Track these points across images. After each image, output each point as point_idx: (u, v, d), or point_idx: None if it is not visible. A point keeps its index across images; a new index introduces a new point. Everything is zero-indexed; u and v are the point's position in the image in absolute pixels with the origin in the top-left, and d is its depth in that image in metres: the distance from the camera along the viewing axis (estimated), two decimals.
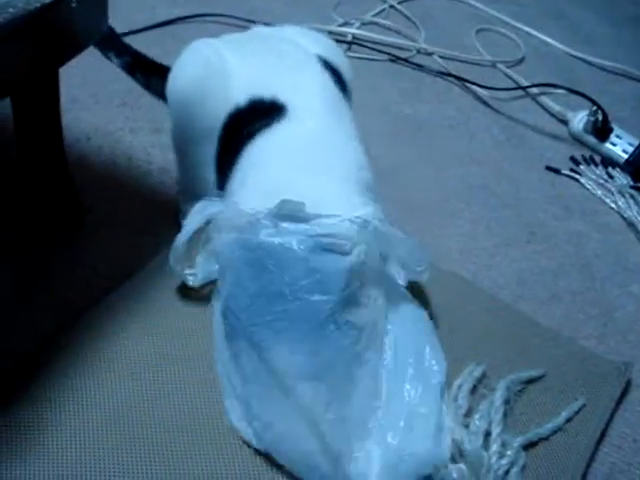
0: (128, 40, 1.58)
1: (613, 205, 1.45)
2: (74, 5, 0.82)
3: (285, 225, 0.95)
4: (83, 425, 0.94)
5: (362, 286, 0.97)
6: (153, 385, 1.01)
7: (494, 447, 0.97)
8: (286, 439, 0.93)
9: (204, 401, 1.00)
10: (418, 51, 1.75)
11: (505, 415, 1.02)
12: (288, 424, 0.92)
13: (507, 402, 1.03)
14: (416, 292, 1.17)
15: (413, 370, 0.98)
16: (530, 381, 1.08)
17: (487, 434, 1.00)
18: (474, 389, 1.06)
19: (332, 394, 0.92)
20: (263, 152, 1.03)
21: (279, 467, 0.92)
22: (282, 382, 0.92)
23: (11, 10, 0.77)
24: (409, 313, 1.06)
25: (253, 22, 1.59)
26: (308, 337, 0.93)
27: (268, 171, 1.02)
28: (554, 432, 1.03)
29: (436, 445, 0.93)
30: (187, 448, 0.94)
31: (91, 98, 1.45)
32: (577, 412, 1.06)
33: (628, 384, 1.12)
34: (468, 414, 1.02)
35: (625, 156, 1.53)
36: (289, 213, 0.96)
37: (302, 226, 0.94)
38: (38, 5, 0.80)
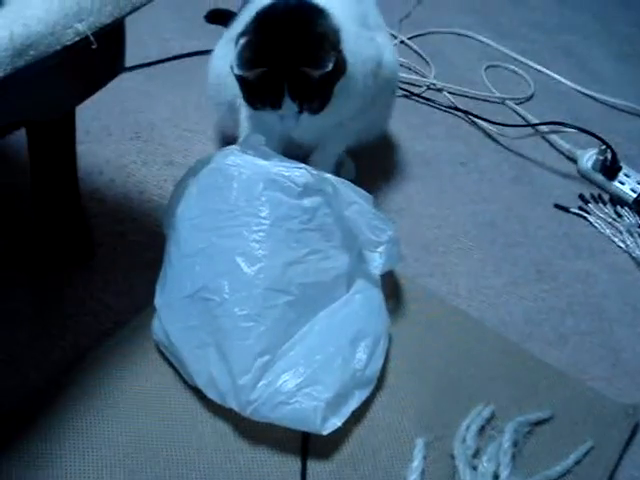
0: (139, 73, 1.61)
1: (622, 244, 1.46)
2: (94, 47, 0.83)
3: (248, 157, 1.06)
4: (91, 463, 0.95)
5: (316, 235, 1.06)
6: (161, 421, 1.01)
7: None
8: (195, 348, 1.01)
9: (213, 435, 1.01)
10: (428, 87, 1.77)
11: (513, 457, 1.02)
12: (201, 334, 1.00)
13: (515, 444, 1.04)
14: (423, 328, 1.18)
15: (338, 351, 1.03)
16: (538, 423, 1.08)
17: (495, 476, 1.00)
18: (482, 430, 1.06)
19: (250, 315, 0.99)
20: None
21: None
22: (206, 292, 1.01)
23: (32, 53, 0.78)
24: (373, 299, 1.11)
25: None
26: (236, 255, 1.01)
27: None
28: (562, 475, 1.03)
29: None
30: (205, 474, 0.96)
31: (104, 131, 1.47)
32: (585, 454, 1.06)
33: (636, 426, 1.12)
34: (476, 455, 1.03)
35: (634, 195, 1.54)
36: (254, 147, 1.07)
37: (261, 161, 1.05)
38: (59, 47, 0.81)
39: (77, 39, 0.82)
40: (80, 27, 0.82)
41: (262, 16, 1.16)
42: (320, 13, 1.15)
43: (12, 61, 0.76)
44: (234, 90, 1.20)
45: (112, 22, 0.87)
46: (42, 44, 0.79)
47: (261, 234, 1.01)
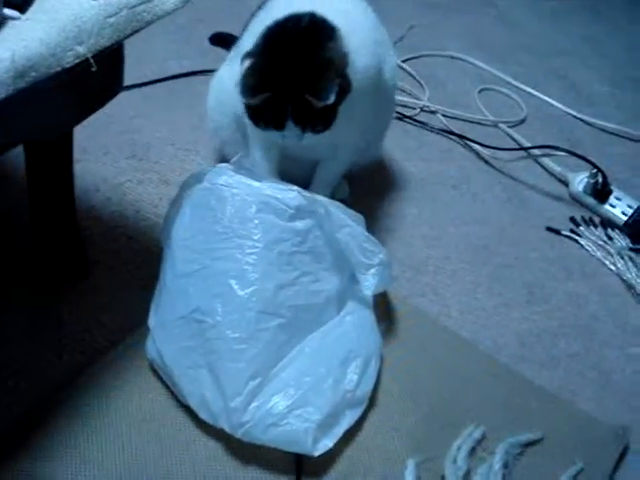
0: (136, 92, 1.62)
1: (612, 267, 1.47)
2: (93, 69, 0.85)
3: (241, 178, 1.07)
4: None
5: (307, 258, 1.07)
6: (154, 440, 1.02)
7: None
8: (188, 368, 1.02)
9: (206, 454, 1.01)
10: (422, 109, 1.78)
11: (504, 479, 1.03)
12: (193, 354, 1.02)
13: (506, 466, 1.04)
14: (415, 349, 1.19)
15: (329, 373, 1.04)
16: (529, 444, 1.09)
17: None
18: (473, 451, 1.06)
19: (242, 338, 1.00)
20: None
21: None
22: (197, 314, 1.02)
23: (33, 74, 0.80)
24: (364, 320, 1.12)
25: None
26: (230, 277, 1.02)
27: None
28: None
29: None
30: None
31: (101, 150, 1.48)
32: (575, 476, 1.06)
33: (626, 448, 1.13)
34: (467, 476, 1.03)
35: (624, 218, 1.55)
36: (247, 168, 1.09)
37: (254, 182, 1.07)
38: (59, 69, 0.82)
39: (77, 61, 0.84)
40: (80, 49, 0.84)
41: (270, 36, 1.15)
42: (330, 34, 1.14)
43: (14, 82, 0.77)
44: (237, 108, 1.21)
45: (112, 45, 0.89)
46: (43, 65, 0.80)
47: (254, 257, 1.02)
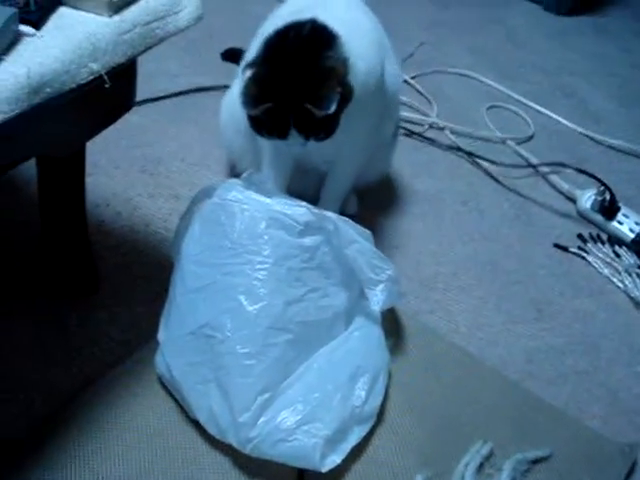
0: (148, 107, 1.64)
1: (620, 284, 1.47)
2: (107, 86, 0.86)
3: (251, 194, 1.07)
4: None
5: (316, 273, 1.07)
6: (162, 453, 1.02)
7: None
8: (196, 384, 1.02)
9: (213, 468, 1.02)
10: (430, 126, 1.79)
11: None
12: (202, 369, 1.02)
13: None
14: (423, 365, 1.19)
15: (337, 388, 1.04)
16: (536, 461, 1.09)
17: None
18: (481, 467, 1.06)
19: (251, 354, 1.00)
20: None
21: None
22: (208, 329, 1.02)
23: (48, 90, 0.81)
24: (372, 336, 1.12)
25: None
26: (239, 293, 1.02)
27: None
28: None
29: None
30: None
31: (111, 164, 1.49)
32: None
33: (634, 465, 1.13)
34: None
35: (632, 235, 1.56)
36: (257, 184, 1.09)
37: (264, 198, 1.07)
38: (73, 86, 0.83)
39: (91, 78, 0.85)
40: (94, 66, 0.85)
41: (271, 45, 1.16)
42: (331, 42, 1.15)
43: (28, 98, 0.78)
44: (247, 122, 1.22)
45: (125, 61, 0.90)
46: (57, 82, 0.81)
47: (263, 273, 1.03)
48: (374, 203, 1.52)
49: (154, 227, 1.38)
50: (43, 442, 1.00)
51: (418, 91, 1.90)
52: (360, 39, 1.20)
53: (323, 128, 1.14)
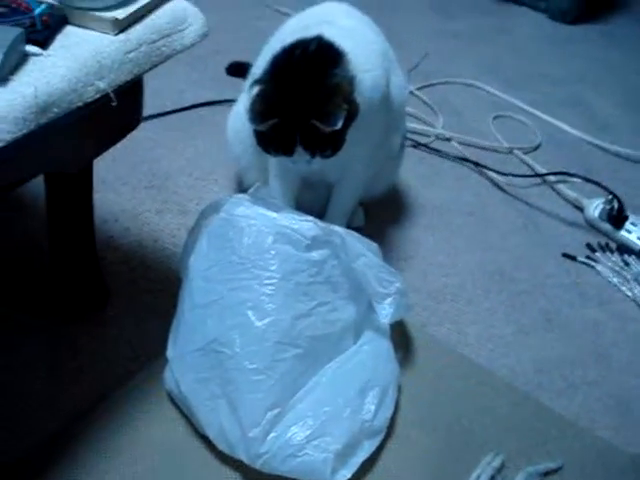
0: (154, 122, 1.64)
1: (629, 293, 1.47)
2: (113, 104, 0.86)
3: (258, 209, 1.08)
4: None
5: (324, 288, 1.08)
6: (172, 469, 1.02)
7: None
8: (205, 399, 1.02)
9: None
10: (437, 137, 1.79)
11: None
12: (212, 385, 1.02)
13: None
14: (432, 378, 1.19)
15: (347, 402, 1.04)
16: (548, 473, 1.08)
17: None
18: (492, 479, 1.06)
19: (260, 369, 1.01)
20: None
21: None
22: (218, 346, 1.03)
23: (55, 110, 0.81)
24: (381, 350, 1.13)
25: None
26: (247, 308, 1.03)
27: None
28: None
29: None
30: None
31: (119, 180, 1.50)
32: None
33: None
34: None
35: None
36: (264, 199, 1.11)
37: (271, 213, 1.08)
38: (80, 104, 0.84)
39: (98, 96, 0.86)
40: (101, 85, 0.86)
41: (278, 62, 1.17)
42: (337, 59, 1.16)
43: (36, 118, 0.79)
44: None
45: (132, 79, 0.90)
46: (64, 101, 0.82)
47: (271, 288, 1.03)
48: (381, 215, 1.52)
49: (162, 242, 1.38)
50: (53, 457, 1.00)
51: (424, 102, 1.90)
52: (366, 55, 1.20)
53: (329, 145, 1.15)
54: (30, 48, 0.85)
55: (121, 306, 1.25)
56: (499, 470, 1.07)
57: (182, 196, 1.49)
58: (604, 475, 1.10)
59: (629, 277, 1.49)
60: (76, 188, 1.15)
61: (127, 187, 1.49)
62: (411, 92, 1.91)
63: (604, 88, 2.14)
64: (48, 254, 1.22)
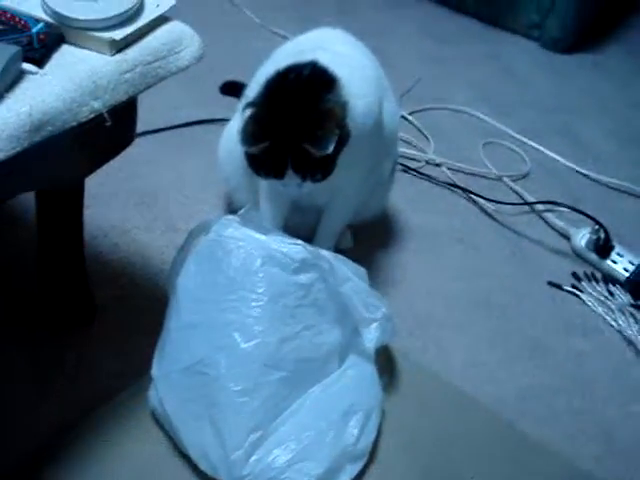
0: (146, 139, 1.65)
1: (613, 323, 1.48)
2: (108, 124, 0.87)
3: (247, 231, 1.08)
4: None
5: (310, 311, 1.08)
6: None
7: None
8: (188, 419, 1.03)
9: None
10: (427, 162, 1.81)
11: None
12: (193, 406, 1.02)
13: None
14: (416, 404, 1.19)
15: (330, 426, 1.05)
16: None
17: None
18: None
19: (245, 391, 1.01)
20: None
21: None
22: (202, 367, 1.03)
23: (49, 128, 0.82)
24: (365, 374, 1.13)
25: None
26: (234, 330, 1.03)
27: None
28: None
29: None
30: None
31: (109, 196, 1.50)
32: None
33: None
34: None
35: (626, 274, 1.56)
36: (253, 221, 1.11)
37: (260, 236, 1.08)
38: (74, 124, 0.84)
39: (92, 116, 0.86)
40: (96, 105, 0.86)
41: (271, 86, 1.18)
42: (331, 85, 1.17)
43: (30, 136, 0.79)
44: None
45: (126, 100, 0.91)
46: (59, 120, 0.83)
47: (258, 310, 1.03)
48: (369, 238, 1.53)
49: (151, 259, 1.38)
50: (34, 472, 1.00)
51: (415, 127, 1.91)
52: (360, 81, 1.22)
53: (320, 169, 1.16)
54: (26, 66, 0.85)
55: (108, 322, 1.25)
56: None
57: (172, 214, 1.50)
58: None
59: (613, 307, 1.50)
60: (67, 204, 1.15)
61: (117, 203, 1.49)
62: (403, 116, 1.92)
63: (594, 118, 2.15)
64: (36, 267, 1.22)
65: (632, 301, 1.52)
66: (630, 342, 1.43)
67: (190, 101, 1.83)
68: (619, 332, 1.46)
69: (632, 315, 1.48)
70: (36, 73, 0.86)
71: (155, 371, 1.08)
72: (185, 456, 1.05)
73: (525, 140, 1.95)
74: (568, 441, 1.22)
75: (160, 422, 1.08)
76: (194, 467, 1.03)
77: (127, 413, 1.10)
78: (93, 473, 1.02)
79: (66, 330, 1.22)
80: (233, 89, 1.77)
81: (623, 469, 1.21)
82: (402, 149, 1.77)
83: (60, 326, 1.22)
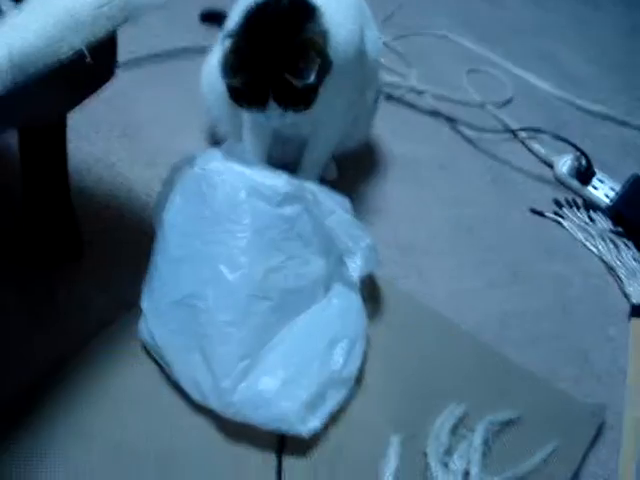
0: (127, 70, 1.63)
1: (594, 249, 1.50)
2: (87, 60, 0.86)
3: (231, 164, 1.10)
4: (84, 455, 0.99)
5: (295, 243, 1.10)
6: (146, 417, 1.05)
7: None
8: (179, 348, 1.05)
9: (195, 431, 1.05)
10: (410, 89, 1.80)
11: (484, 455, 1.07)
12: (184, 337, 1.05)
13: (486, 442, 1.09)
14: (400, 330, 1.22)
15: (316, 354, 1.07)
16: (508, 422, 1.13)
17: (466, 474, 1.05)
18: (455, 428, 1.10)
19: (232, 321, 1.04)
20: None
21: None
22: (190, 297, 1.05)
23: (32, 70, 0.81)
24: (350, 303, 1.16)
25: None
26: (220, 262, 1.05)
27: None
28: (530, 472, 1.08)
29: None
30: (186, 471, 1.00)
31: (91, 129, 1.49)
32: (552, 453, 1.10)
33: (601, 426, 1.17)
34: (448, 453, 1.07)
35: (607, 200, 1.58)
36: (237, 154, 1.12)
37: (244, 169, 1.09)
38: (55, 61, 0.84)
39: (71, 53, 0.85)
40: (75, 41, 0.85)
41: (250, 16, 1.17)
42: (310, 14, 1.16)
43: (13, 78, 0.79)
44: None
45: (106, 34, 0.90)
46: (40, 60, 0.82)
47: (244, 241, 1.05)
48: (353, 168, 1.53)
49: (136, 192, 1.38)
50: (28, 407, 1.02)
51: (398, 53, 1.90)
52: (340, 9, 1.20)
53: (302, 99, 1.15)
54: (3, 5, 0.84)
55: (96, 256, 1.26)
56: (461, 419, 1.12)
57: (155, 146, 1.49)
58: (562, 424, 1.14)
59: (594, 233, 1.53)
60: (50, 140, 1.15)
61: (100, 136, 1.49)
62: (384, 43, 1.90)
63: (578, 44, 2.14)
64: (23, 204, 1.22)
65: (612, 227, 1.54)
66: (610, 267, 1.46)
67: (171, 31, 1.80)
68: (599, 258, 1.49)
69: (612, 241, 1.51)
70: (13, 10, 0.84)
71: (144, 303, 1.10)
72: (176, 386, 1.07)
73: (508, 67, 1.93)
74: (547, 363, 1.26)
75: (150, 353, 1.10)
76: (185, 396, 1.06)
77: (118, 345, 1.12)
78: (86, 404, 1.04)
79: (55, 266, 1.23)
80: (213, 17, 1.75)
81: (600, 389, 1.24)
82: (384, 76, 1.76)
83: (49, 262, 1.23)
